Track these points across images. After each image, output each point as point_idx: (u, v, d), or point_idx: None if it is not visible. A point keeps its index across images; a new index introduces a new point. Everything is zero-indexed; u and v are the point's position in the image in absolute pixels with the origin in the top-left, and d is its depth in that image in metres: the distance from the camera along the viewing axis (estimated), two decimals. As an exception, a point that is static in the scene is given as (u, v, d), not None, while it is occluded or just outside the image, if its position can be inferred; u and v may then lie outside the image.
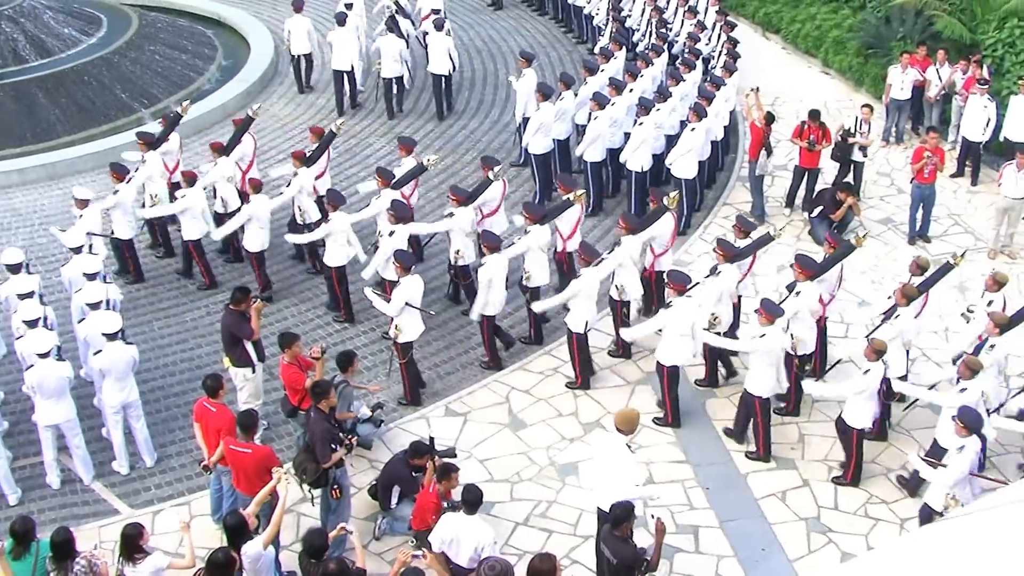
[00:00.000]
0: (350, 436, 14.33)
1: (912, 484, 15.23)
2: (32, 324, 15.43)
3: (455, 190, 18.96)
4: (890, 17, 27.43)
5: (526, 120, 22.79)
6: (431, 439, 14.74)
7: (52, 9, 28.89)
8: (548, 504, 15.36)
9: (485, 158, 20.01)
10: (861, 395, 15.09)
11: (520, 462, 16.10)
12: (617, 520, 12.45)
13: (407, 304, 16.61)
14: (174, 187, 20.38)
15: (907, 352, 16.47)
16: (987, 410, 14.76)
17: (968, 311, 17.40)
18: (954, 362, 15.85)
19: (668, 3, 28.21)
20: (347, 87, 27.07)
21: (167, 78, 27.79)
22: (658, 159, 21.72)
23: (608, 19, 27.49)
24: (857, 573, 13.04)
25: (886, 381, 15.30)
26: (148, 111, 26.11)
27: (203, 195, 19.59)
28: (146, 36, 29.09)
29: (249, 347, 15.82)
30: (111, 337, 15.25)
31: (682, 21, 26.92)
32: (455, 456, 15.09)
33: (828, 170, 22.45)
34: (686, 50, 24.82)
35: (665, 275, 17.15)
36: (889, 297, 17.13)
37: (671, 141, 21.74)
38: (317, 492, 14.32)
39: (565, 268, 19.08)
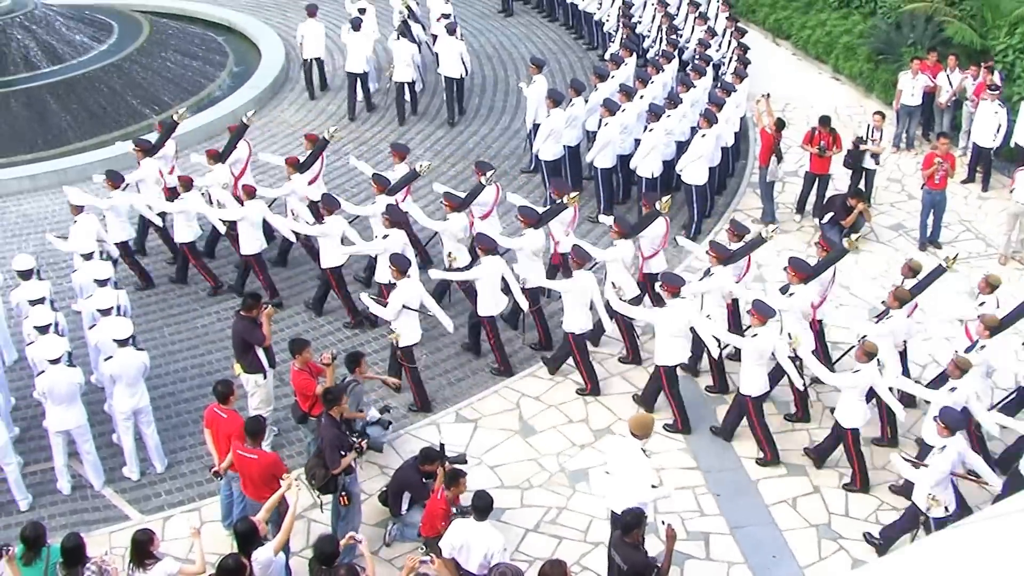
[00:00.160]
0: (360, 440, 14.34)
1: (907, 491, 15.20)
2: (43, 330, 15.45)
3: (448, 196, 19.02)
4: (900, 23, 27.40)
5: (537, 126, 22.80)
6: (441, 445, 14.74)
7: (63, 16, 28.99)
8: (558, 511, 15.34)
9: (479, 163, 20.15)
10: (851, 392, 15.18)
11: (530, 468, 16.09)
12: (627, 527, 12.43)
13: (404, 307, 16.66)
14: (171, 192, 20.44)
15: (901, 353, 16.59)
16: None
17: (959, 321, 17.42)
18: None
19: (678, 9, 28.24)
20: (360, 91, 27.18)
21: (178, 84, 27.85)
22: (668, 165, 21.73)
23: (618, 25, 27.51)
24: (868, 580, 13.04)
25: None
26: (159, 117, 26.09)
27: (200, 199, 19.64)
28: (157, 43, 29.16)
29: (260, 353, 15.83)
30: (122, 343, 15.27)
31: (692, 27, 26.94)
32: (465, 462, 15.08)
33: (839, 176, 22.43)
34: (696, 56, 24.82)
35: (659, 277, 17.33)
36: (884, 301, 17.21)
37: (681, 147, 21.75)
38: (327, 498, 14.33)
39: (560, 271, 19.15)
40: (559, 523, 15.14)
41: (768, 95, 22.66)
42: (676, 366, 16.64)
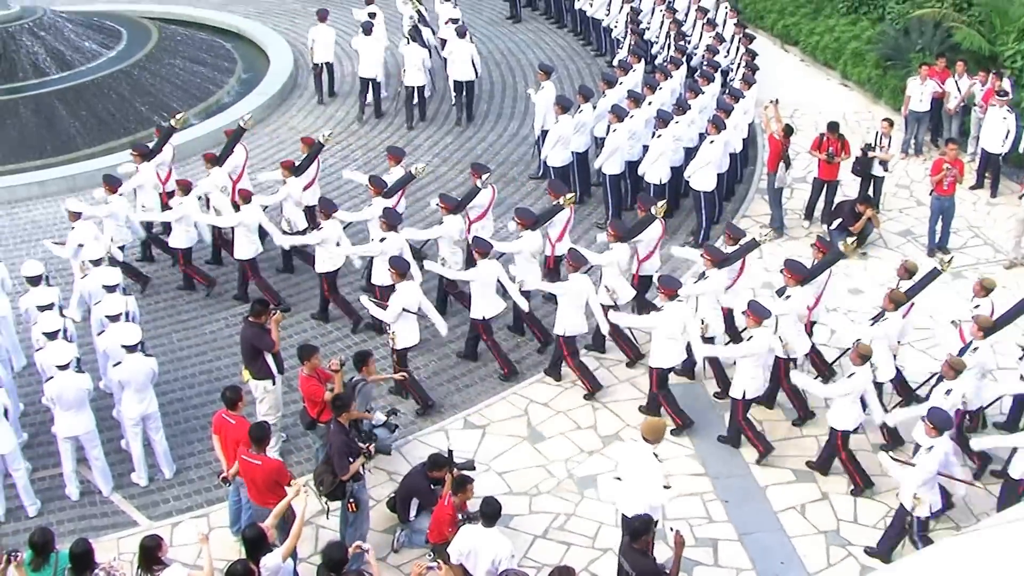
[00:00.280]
0: (368, 444, 14.33)
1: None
2: (52, 336, 15.48)
3: (444, 198, 19.12)
4: (909, 29, 27.38)
5: (545, 133, 22.85)
6: (450, 451, 14.75)
7: (72, 22, 29.08)
8: (567, 517, 15.32)
9: (475, 165, 20.26)
10: (846, 398, 15.20)
11: (538, 475, 16.07)
12: (636, 533, 12.43)
13: (404, 310, 16.70)
14: (168, 197, 20.52)
15: (894, 356, 16.63)
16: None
17: (953, 324, 17.48)
18: None
19: (687, 15, 28.23)
20: (371, 96, 27.34)
21: (186, 91, 27.90)
22: (676, 171, 21.72)
23: (627, 32, 27.52)
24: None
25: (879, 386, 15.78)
26: (168, 123, 26.16)
27: (197, 204, 19.67)
28: (166, 49, 29.23)
29: (269, 359, 15.84)
30: (130, 349, 15.29)
31: (701, 33, 26.92)
32: (474, 468, 15.06)
33: (847, 182, 22.40)
34: (705, 62, 24.81)
35: (656, 279, 17.39)
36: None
37: (690, 153, 21.75)
38: (335, 505, 14.32)
39: (553, 272, 19.22)
40: (567, 529, 15.12)
41: (777, 101, 22.63)
42: (670, 368, 16.78)
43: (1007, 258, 21.00)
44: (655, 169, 21.23)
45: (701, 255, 17.50)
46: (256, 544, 12.06)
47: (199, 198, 20.01)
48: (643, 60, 25.34)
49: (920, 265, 17.31)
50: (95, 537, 14.35)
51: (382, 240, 18.08)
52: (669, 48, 26.60)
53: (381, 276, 18.05)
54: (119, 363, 15.40)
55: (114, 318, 16.04)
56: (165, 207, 20.38)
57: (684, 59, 25.32)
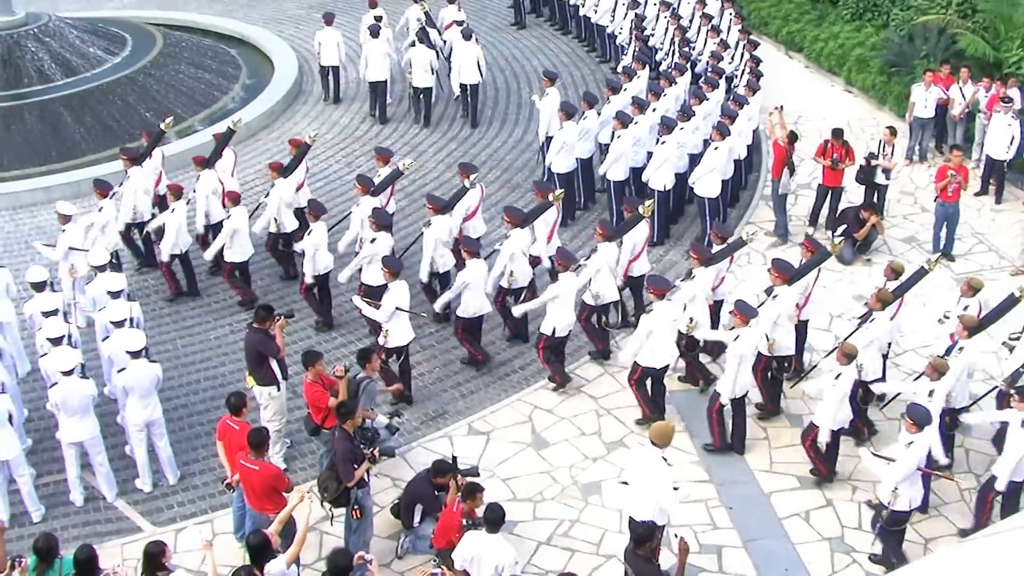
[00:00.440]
0: (373, 449, 14.32)
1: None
2: (56, 342, 15.49)
3: (432, 199, 19.16)
4: (913, 35, 27.38)
5: (549, 139, 22.82)
6: (454, 458, 14.78)
7: (77, 28, 29.09)
8: (571, 523, 15.31)
9: (463, 164, 20.30)
10: (833, 395, 15.30)
11: (543, 481, 16.07)
12: (640, 539, 12.42)
13: (397, 308, 16.76)
14: (160, 200, 20.64)
15: (884, 356, 16.74)
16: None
17: (945, 316, 17.64)
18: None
19: (691, 22, 28.24)
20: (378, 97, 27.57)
21: (191, 97, 27.93)
22: (681, 178, 21.73)
23: (631, 38, 27.53)
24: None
25: (863, 385, 15.96)
26: (172, 130, 26.18)
27: (184, 212, 19.73)
28: (170, 55, 29.26)
29: (274, 365, 15.83)
30: (135, 355, 15.30)
31: (705, 40, 26.92)
32: (478, 475, 15.05)
33: (851, 189, 22.39)
34: (709, 69, 24.81)
35: (646, 279, 17.57)
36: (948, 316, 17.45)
37: (694, 160, 21.75)
38: (339, 511, 14.32)
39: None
40: (571, 536, 15.11)
41: (781, 107, 22.62)
42: (662, 368, 16.82)
43: (1012, 264, 20.98)
44: (659, 175, 21.22)
45: (688, 254, 17.71)
46: (260, 550, 12.06)
47: (187, 202, 20.03)
48: (647, 66, 25.32)
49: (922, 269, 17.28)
50: (99, 543, 14.34)
51: (372, 241, 18.17)
52: (673, 54, 26.60)
53: (372, 276, 18.11)
54: (123, 369, 15.41)
55: (118, 324, 16.05)
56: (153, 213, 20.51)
57: (688, 65, 25.29)
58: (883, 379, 16.61)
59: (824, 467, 15.83)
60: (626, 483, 14.26)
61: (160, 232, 19.87)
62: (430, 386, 18.08)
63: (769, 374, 16.99)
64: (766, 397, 17.16)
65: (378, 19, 27.87)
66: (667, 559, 13.28)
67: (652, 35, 28.35)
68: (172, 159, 23.15)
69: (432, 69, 26.93)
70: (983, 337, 16.35)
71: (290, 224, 19.91)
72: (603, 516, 15.36)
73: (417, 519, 14.67)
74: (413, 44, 27.34)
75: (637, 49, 26.51)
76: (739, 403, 16.30)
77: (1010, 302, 16.40)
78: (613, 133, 21.99)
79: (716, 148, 21.01)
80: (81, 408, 15.06)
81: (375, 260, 17.93)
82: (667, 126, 21.29)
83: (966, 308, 16.72)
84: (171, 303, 20.22)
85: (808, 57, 30.72)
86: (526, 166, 25.02)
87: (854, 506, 15.47)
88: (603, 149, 22.86)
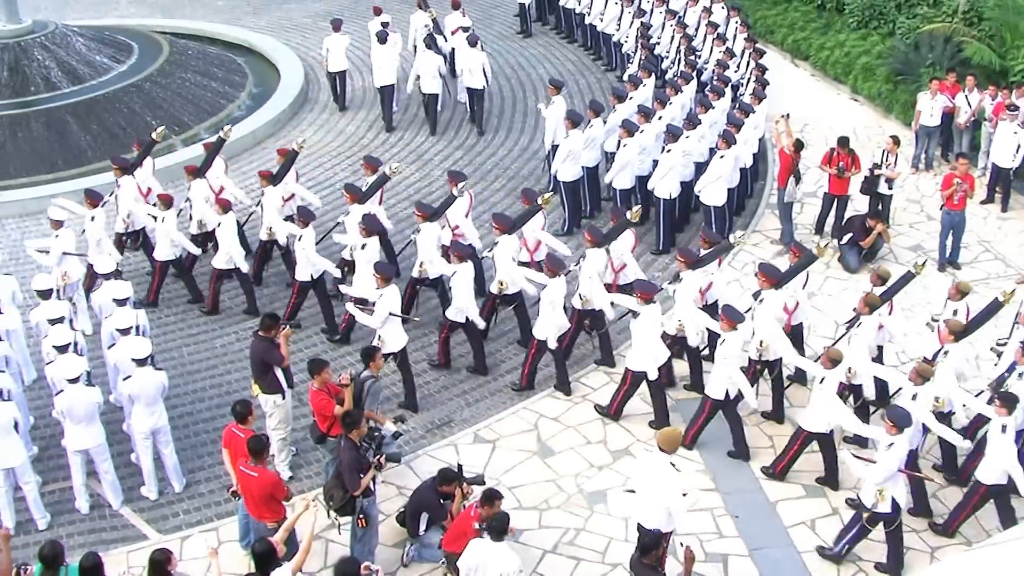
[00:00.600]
0: (379, 456, 14.31)
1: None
2: (62, 349, 15.50)
3: (420, 206, 19.19)
4: (919, 43, 27.39)
5: (555, 147, 22.85)
6: (459, 466, 14.79)
7: (84, 36, 29.13)
8: (576, 532, 15.30)
9: (451, 172, 20.33)
10: (820, 396, 15.41)
11: (548, 489, 16.05)
12: (645, 548, 12.44)
13: (390, 314, 16.85)
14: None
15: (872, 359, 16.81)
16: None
17: (932, 320, 17.70)
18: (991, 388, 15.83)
19: (697, 30, 28.24)
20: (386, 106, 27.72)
21: (197, 105, 27.96)
22: (686, 186, 21.74)
23: (637, 46, 27.54)
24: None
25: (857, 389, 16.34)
26: (179, 138, 26.26)
27: (175, 220, 19.75)
28: (176, 63, 29.29)
29: (279, 373, 15.83)
30: (141, 363, 15.31)
31: (711, 48, 26.93)
32: (483, 483, 15.06)
33: (857, 198, 22.37)
34: (715, 77, 24.82)
35: (633, 284, 17.56)
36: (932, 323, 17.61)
37: (700, 168, 21.77)
38: (345, 520, 14.31)
39: None
40: (577, 544, 15.09)
41: (788, 115, 22.64)
42: (647, 373, 16.86)
43: (1018, 272, 20.96)
44: (665, 184, 21.23)
45: (675, 257, 17.90)
46: (265, 558, 12.07)
47: (179, 212, 20.07)
48: (653, 75, 25.33)
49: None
50: (105, 551, 14.38)
51: (363, 247, 18.22)
52: (679, 63, 26.62)
53: (363, 283, 18.13)
54: (129, 377, 15.42)
55: (124, 331, 16.06)
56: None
57: (694, 74, 25.34)
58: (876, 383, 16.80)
59: (782, 468, 16.12)
60: (632, 491, 14.22)
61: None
62: (436, 394, 18.09)
63: (766, 378, 17.17)
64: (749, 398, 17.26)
65: (385, 25, 28.01)
66: (673, 568, 13.27)
67: (658, 43, 28.35)
68: (179, 168, 23.07)
69: (440, 75, 27.05)
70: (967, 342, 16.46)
71: (281, 232, 19.92)
72: (609, 524, 15.34)
73: (423, 527, 14.65)
74: (415, 49, 27.51)
75: (643, 57, 26.50)
76: (730, 406, 16.42)
77: (995, 306, 16.54)
78: (619, 141, 22.00)
79: (722, 156, 21.01)
80: (87, 416, 15.06)
81: (366, 266, 17.98)
82: (673, 134, 21.30)
83: (954, 312, 16.82)
84: (184, 312, 20.29)
85: (814, 65, 30.75)
86: (532, 174, 25.02)
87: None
88: (609, 157, 22.88)
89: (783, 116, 22.56)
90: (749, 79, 24.79)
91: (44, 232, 22.64)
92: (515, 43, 33.61)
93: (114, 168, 20.64)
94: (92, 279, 19.42)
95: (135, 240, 20.54)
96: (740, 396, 16.35)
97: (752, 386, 16.63)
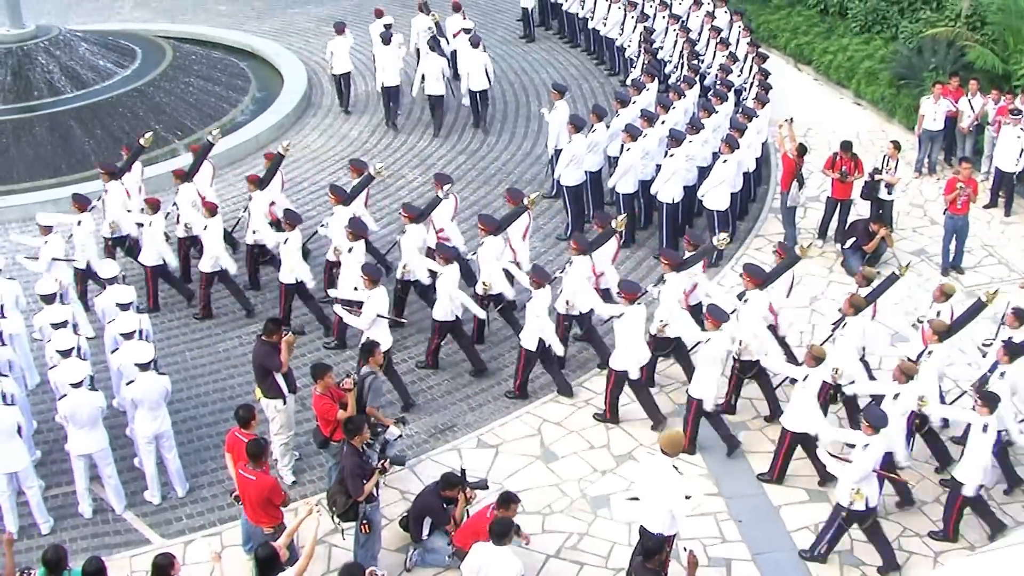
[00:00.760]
0: (384, 461, 14.30)
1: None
2: (65, 354, 15.51)
3: (407, 208, 19.28)
4: (922, 48, 27.40)
5: (558, 152, 22.86)
6: (463, 471, 14.79)
7: (87, 41, 29.14)
8: (580, 536, 15.29)
9: (438, 175, 20.43)
10: (802, 397, 15.51)
11: (552, 494, 16.04)
12: (650, 552, 12.43)
13: (378, 315, 16.93)
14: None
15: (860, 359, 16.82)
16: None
17: (918, 321, 17.67)
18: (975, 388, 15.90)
19: (700, 35, 28.25)
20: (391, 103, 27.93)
21: (201, 110, 27.97)
22: (690, 191, 21.73)
23: (640, 51, 27.54)
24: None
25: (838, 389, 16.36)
26: (182, 142, 26.25)
27: (162, 227, 19.79)
28: (180, 68, 29.31)
29: (279, 379, 15.83)
30: (144, 367, 15.30)
31: (714, 53, 26.93)
32: (487, 488, 15.08)
33: (861, 202, 22.36)
34: (718, 82, 24.79)
35: (617, 284, 17.75)
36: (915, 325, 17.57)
37: (703, 173, 21.75)
38: (348, 525, 14.32)
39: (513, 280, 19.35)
40: (580, 549, 15.08)
41: (791, 120, 22.62)
42: (636, 371, 16.95)
43: (1022, 277, 20.94)
44: (668, 188, 21.22)
45: (659, 259, 18.04)
46: (268, 563, 12.07)
47: (166, 215, 20.09)
48: (656, 79, 25.36)
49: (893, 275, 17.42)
50: (108, 555, 14.39)
51: (349, 250, 18.32)
52: (682, 67, 26.62)
53: (349, 285, 18.18)
54: (132, 381, 15.42)
55: (128, 336, 16.07)
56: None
57: (697, 78, 25.34)
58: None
59: (778, 473, 16.12)
60: (636, 499, 14.21)
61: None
62: (439, 399, 18.09)
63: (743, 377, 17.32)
64: (731, 397, 17.52)
65: (388, 27, 28.16)
66: (676, 572, 13.26)
67: (661, 48, 28.37)
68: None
69: (444, 76, 27.21)
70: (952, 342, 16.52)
71: (268, 236, 19.93)
72: (612, 529, 15.33)
73: (426, 532, 14.65)
74: (419, 52, 27.76)
75: (646, 62, 26.52)
76: (700, 408, 16.50)
77: (978, 307, 16.66)
78: (622, 146, 22.01)
79: (725, 161, 21.01)
80: (90, 420, 15.06)
81: (353, 268, 18.06)
82: (676, 139, 21.29)
83: (938, 313, 16.88)
84: (187, 316, 20.33)
85: (817, 70, 30.73)
86: (535, 179, 25.02)
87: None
88: (612, 162, 22.87)
89: (786, 120, 22.54)
90: (752, 83, 24.81)
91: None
92: (518, 48, 33.62)
93: (102, 173, 20.70)
94: (83, 283, 19.56)
95: (122, 245, 20.58)
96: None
97: (739, 388, 17.11)
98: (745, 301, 16.98)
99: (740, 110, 23.40)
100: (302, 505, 14.02)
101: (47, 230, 18.77)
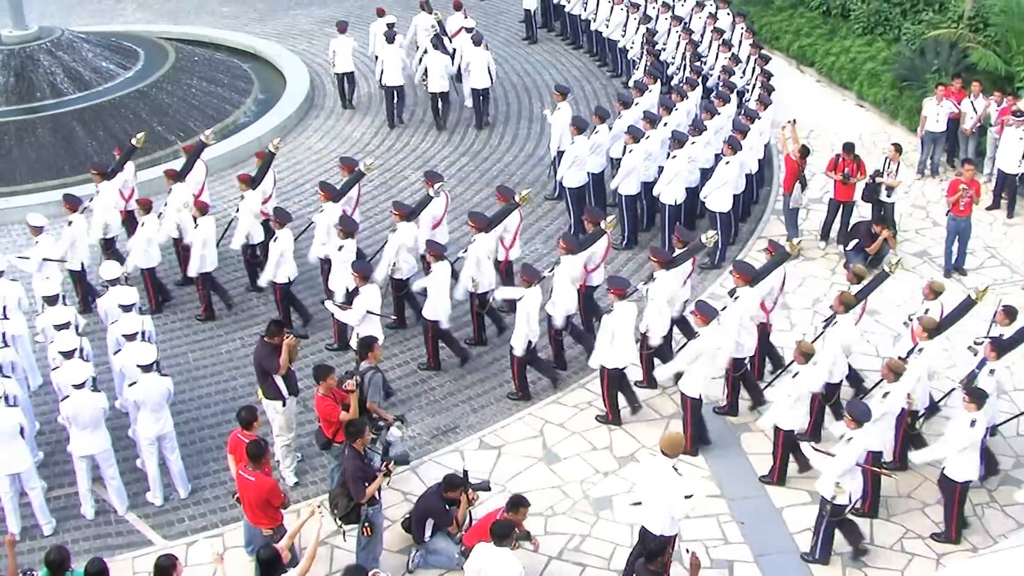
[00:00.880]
0: (388, 463, 14.29)
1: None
2: (68, 355, 15.51)
3: (397, 205, 19.34)
4: (925, 49, 27.39)
5: (561, 154, 22.85)
6: (465, 472, 14.78)
7: (90, 43, 29.18)
8: (582, 538, 15.28)
9: (428, 173, 20.55)
10: (790, 399, 15.54)
11: (554, 496, 16.03)
12: (652, 554, 12.43)
13: (368, 312, 16.96)
14: (128, 215, 20.79)
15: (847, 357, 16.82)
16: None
17: (909, 319, 17.64)
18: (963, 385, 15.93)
19: (702, 36, 28.26)
20: (396, 102, 28.08)
21: (203, 111, 27.98)
22: (692, 192, 21.72)
23: (642, 52, 27.56)
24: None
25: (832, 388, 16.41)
26: (184, 144, 26.23)
27: (156, 224, 19.80)
28: (182, 69, 29.34)
29: (279, 380, 15.82)
30: (146, 368, 15.31)
31: (716, 54, 26.95)
32: (489, 489, 15.07)
33: (863, 204, 22.35)
34: (720, 83, 24.81)
35: (606, 281, 17.80)
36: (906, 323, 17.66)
37: (705, 174, 21.74)
38: (350, 527, 14.32)
39: (503, 276, 19.50)
40: (582, 550, 15.07)
41: (794, 121, 22.61)
42: (623, 368, 17.07)
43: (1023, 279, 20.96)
44: (670, 190, 21.22)
45: (649, 257, 18.03)
46: (270, 565, 12.07)
47: (158, 216, 20.12)
48: (659, 81, 25.36)
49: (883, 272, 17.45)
50: (110, 556, 14.37)
51: (340, 248, 18.37)
52: (685, 69, 26.64)
53: (340, 282, 18.24)
54: (135, 383, 15.42)
55: (130, 337, 16.08)
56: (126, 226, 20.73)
57: (700, 80, 25.32)
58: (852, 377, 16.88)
59: (778, 474, 16.15)
60: (639, 503, 14.20)
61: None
62: (441, 400, 18.09)
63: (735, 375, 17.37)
64: (729, 395, 17.60)
65: (391, 26, 28.31)
66: (678, 574, 13.25)
67: (663, 49, 28.36)
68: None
69: (448, 74, 27.41)
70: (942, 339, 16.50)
71: (257, 236, 19.97)
72: (614, 531, 15.32)
73: (428, 533, 14.65)
74: (426, 51, 27.94)
75: (649, 63, 26.54)
76: (696, 404, 16.56)
77: (967, 304, 16.70)
78: (625, 147, 22.02)
79: (728, 162, 21.02)
80: (92, 421, 15.07)
81: (343, 266, 18.11)
82: (678, 140, 21.29)
83: (927, 311, 16.90)
84: (189, 318, 20.36)
85: (819, 71, 30.72)
86: (537, 180, 25.02)
87: (865, 522, 15.34)
88: (615, 163, 22.87)
89: (789, 122, 22.53)
90: (755, 85, 24.82)
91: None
92: (521, 49, 33.64)
93: (93, 173, 20.72)
94: (83, 285, 19.61)
95: (114, 246, 20.65)
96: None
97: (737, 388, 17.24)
98: (736, 298, 17.00)
99: (743, 112, 23.41)
100: (304, 507, 14.01)
101: (37, 230, 18.81)
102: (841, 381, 16.55)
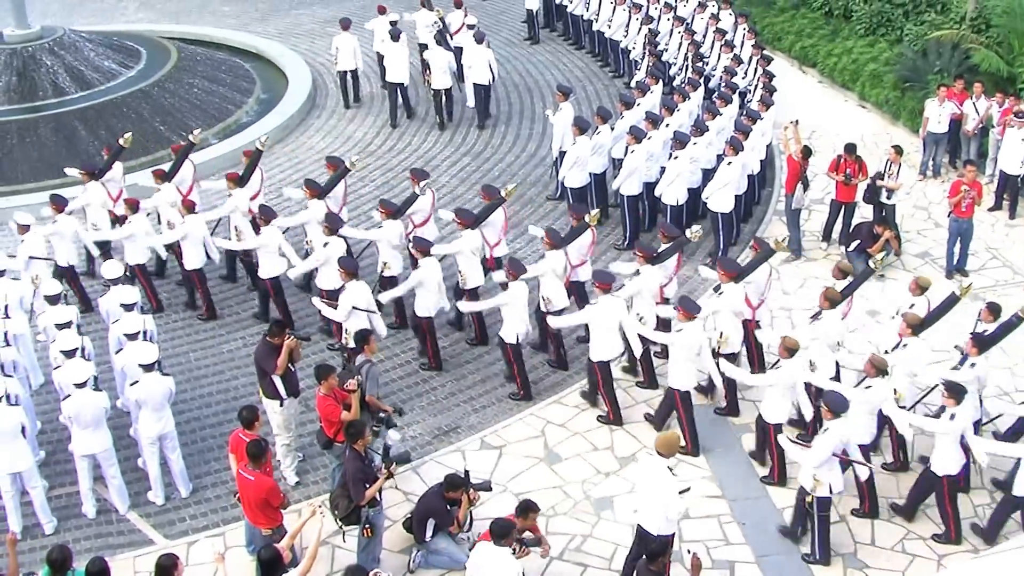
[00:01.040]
0: (390, 465, 14.28)
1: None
2: (70, 354, 15.52)
3: (384, 203, 19.39)
4: (927, 50, 27.38)
5: (562, 154, 22.86)
6: (466, 472, 14.77)
7: (92, 42, 29.20)
8: (583, 538, 15.28)
9: (414, 170, 20.61)
10: (773, 389, 15.66)
11: (555, 496, 16.03)
12: (653, 555, 12.42)
13: (354, 308, 17.01)
14: (118, 217, 20.73)
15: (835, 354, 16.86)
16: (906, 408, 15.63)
17: (895, 315, 17.69)
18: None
19: (704, 37, 28.27)
20: (400, 99, 28.18)
21: (205, 111, 27.99)
22: (694, 193, 21.72)
23: (644, 53, 27.56)
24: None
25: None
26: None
27: (146, 221, 19.80)
28: (185, 69, 29.35)
29: (277, 380, 15.81)
30: (147, 368, 15.31)
31: (718, 55, 26.95)
32: (490, 489, 15.07)
33: (864, 205, 22.34)
34: (722, 84, 24.82)
35: (592, 275, 17.86)
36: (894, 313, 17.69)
37: (707, 175, 21.74)
38: (351, 528, 14.32)
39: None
40: (584, 551, 15.07)
41: (796, 122, 22.61)
42: (610, 361, 17.13)
43: (1026, 280, 21.00)
44: (672, 190, 21.22)
45: (634, 253, 18.01)
46: (271, 565, 12.07)
47: (147, 214, 20.12)
48: (661, 81, 25.36)
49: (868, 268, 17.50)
50: (111, 555, 14.39)
51: (325, 245, 18.41)
52: (687, 69, 26.62)
53: (328, 280, 18.31)
54: (136, 382, 15.43)
55: (132, 337, 16.09)
56: (114, 225, 20.66)
57: (702, 80, 25.31)
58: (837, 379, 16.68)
59: (778, 473, 16.13)
60: (637, 512, 14.24)
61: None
62: (442, 400, 18.10)
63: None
64: (726, 396, 17.63)
65: (394, 23, 28.40)
66: (678, 574, 13.25)
67: (666, 50, 28.37)
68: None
69: (451, 70, 27.46)
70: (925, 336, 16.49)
71: (248, 233, 19.96)
72: (616, 531, 15.32)
73: (429, 533, 14.65)
74: (426, 47, 28.12)
75: (651, 64, 26.54)
76: (686, 398, 16.56)
77: (952, 300, 16.72)
78: (626, 148, 22.02)
79: (729, 163, 21.01)
80: (94, 420, 15.08)
81: (330, 263, 18.14)
82: (680, 141, 21.30)
83: (912, 306, 16.97)
84: (190, 317, 20.41)
85: (822, 72, 30.72)
86: (539, 181, 25.03)
87: (867, 523, 15.39)
88: (616, 164, 22.87)
89: (791, 123, 22.53)
90: (757, 86, 24.81)
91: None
92: (523, 49, 33.65)
93: (81, 174, 20.74)
94: (76, 283, 19.67)
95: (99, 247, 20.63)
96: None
97: (735, 387, 17.24)
98: (720, 294, 17.04)
99: (744, 112, 23.40)
100: (305, 506, 14.01)
101: (24, 229, 18.86)
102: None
